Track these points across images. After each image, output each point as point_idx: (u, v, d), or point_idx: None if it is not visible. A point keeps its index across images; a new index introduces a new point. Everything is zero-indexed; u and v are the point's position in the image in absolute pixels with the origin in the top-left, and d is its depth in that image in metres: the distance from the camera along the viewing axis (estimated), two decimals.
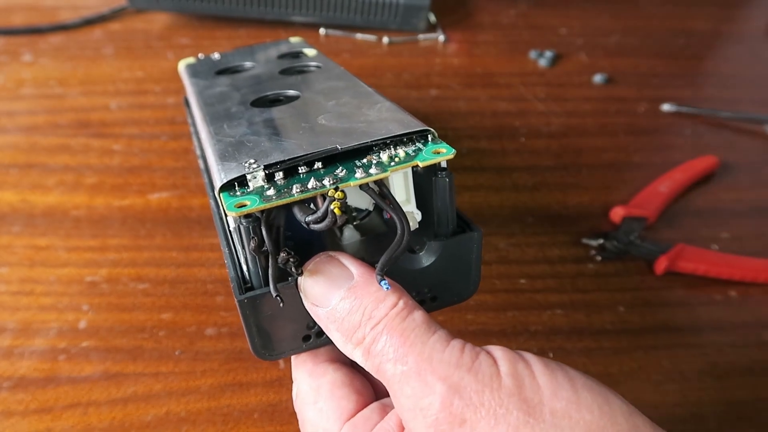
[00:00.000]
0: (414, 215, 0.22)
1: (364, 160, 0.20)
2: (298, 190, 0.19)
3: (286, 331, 0.21)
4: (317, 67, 0.31)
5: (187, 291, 0.32)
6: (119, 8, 0.54)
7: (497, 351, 0.17)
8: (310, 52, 0.35)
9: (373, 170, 0.20)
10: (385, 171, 0.20)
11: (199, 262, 0.34)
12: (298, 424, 0.27)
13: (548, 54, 0.51)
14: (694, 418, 0.28)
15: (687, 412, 0.28)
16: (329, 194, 0.19)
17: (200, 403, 0.28)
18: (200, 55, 0.36)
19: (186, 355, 0.29)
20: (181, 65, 0.35)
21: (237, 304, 0.20)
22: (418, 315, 0.18)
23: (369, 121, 0.22)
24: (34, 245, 0.34)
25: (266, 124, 0.23)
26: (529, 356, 0.17)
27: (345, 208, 0.19)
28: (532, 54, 0.52)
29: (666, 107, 0.47)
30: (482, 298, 0.32)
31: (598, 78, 0.49)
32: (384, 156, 0.20)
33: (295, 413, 0.28)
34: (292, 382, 0.29)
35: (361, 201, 0.22)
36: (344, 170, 0.20)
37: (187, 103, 0.33)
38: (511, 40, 0.55)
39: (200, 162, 0.29)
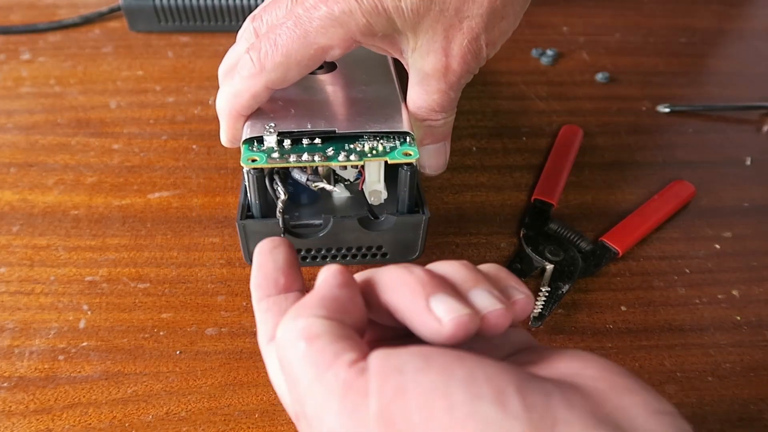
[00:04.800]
0: (381, 193, 0.29)
1: (352, 146, 0.27)
2: (295, 160, 0.26)
3: None
4: None
5: (187, 291, 0.32)
6: (118, 7, 0.53)
7: None
8: None
9: (353, 157, 0.26)
10: (361, 160, 0.26)
11: (199, 261, 0.33)
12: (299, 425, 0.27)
13: (550, 52, 0.51)
14: (696, 418, 0.28)
15: (689, 413, 0.28)
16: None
17: (200, 403, 0.28)
18: None
19: (186, 355, 0.29)
20: None
21: (237, 224, 0.28)
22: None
23: (372, 114, 0.28)
24: (34, 245, 0.34)
25: (303, 90, 0.30)
26: None
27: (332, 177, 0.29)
28: (534, 52, 0.52)
29: (661, 108, 0.46)
30: None
31: (599, 77, 0.49)
32: (366, 146, 0.27)
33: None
34: None
35: (348, 173, 0.30)
36: (333, 151, 0.26)
37: None
38: (512, 39, 0.54)
39: None
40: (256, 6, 0.50)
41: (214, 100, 0.44)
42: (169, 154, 0.40)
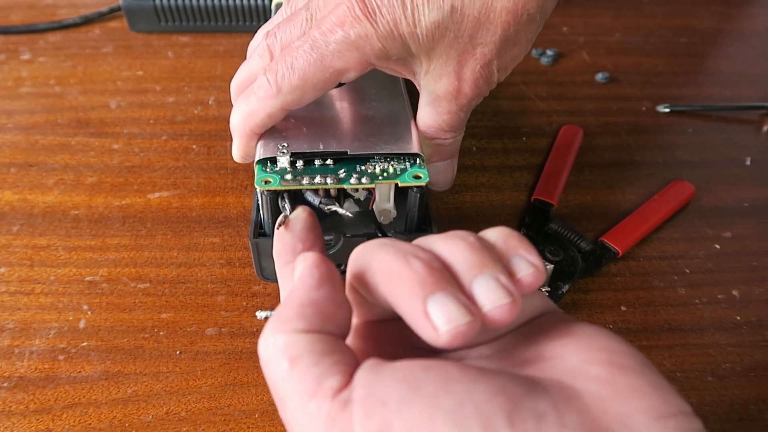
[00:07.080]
0: (391, 212, 0.29)
1: (363, 167, 0.27)
2: (308, 182, 0.26)
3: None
4: None
5: (187, 291, 0.32)
6: (118, 7, 0.53)
7: None
8: None
9: (364, 179, 0.27)
10: (372, 183, 0.27)
11: (199, 261, 0.33)
12: None
13: (550, 52, 0.51)
14: None
15: None
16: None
17: (200, 404, 0.28)
18: None
19: (186, 355, 0.29)
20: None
21: (250, 242, 0.29)
22: None
23: (382, 133, 0.28)
24: (34, 245, 0.34)
25: (314, 105, 0.29)
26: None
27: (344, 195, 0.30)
28: (534, 52, 0.52)
29: (661, 108, 0.46)
30: None
31: (599, 77, 0.49)
32: (378, 168, 0.27)
33: None
34: None
35: (358, 191, 0.30)
36: (345, 173, 0.27)
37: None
38: None
39: None
40: (257, 7, 0.50)
41: (215, 101, 0.44)
42: (169, 154, 0.40)
